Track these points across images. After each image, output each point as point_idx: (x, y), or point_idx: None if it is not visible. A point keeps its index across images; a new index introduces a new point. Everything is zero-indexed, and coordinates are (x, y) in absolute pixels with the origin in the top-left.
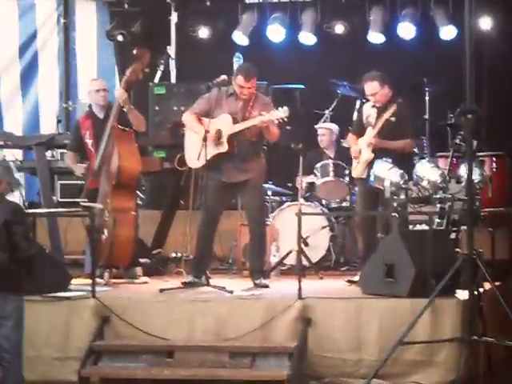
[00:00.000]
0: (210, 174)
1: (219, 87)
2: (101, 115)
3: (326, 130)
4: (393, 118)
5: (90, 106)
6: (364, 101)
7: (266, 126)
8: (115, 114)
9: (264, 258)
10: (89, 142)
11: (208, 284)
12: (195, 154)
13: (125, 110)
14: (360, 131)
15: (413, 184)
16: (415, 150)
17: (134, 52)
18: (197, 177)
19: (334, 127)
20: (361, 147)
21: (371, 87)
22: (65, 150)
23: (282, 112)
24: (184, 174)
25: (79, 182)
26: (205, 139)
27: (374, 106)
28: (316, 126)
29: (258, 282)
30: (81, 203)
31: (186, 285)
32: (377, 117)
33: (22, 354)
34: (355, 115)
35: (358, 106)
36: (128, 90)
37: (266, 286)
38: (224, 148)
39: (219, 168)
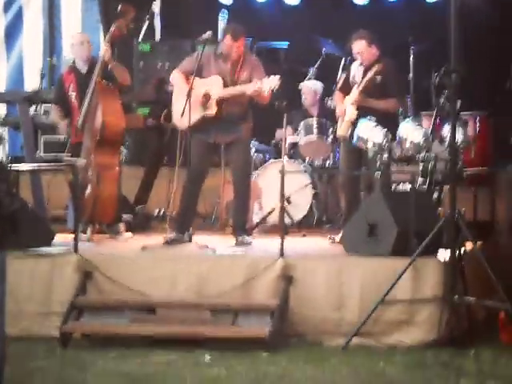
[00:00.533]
0: (196, 134)
1: (204, 45)
2: (84, 70)
3: (309, 89)
4: (378, 77)
5: (73, 61)
6: (349, 59)
7: (258, 95)
8: (99, 70)
9: (247, 216)
10: (72, 96)
11: (190, 241)
12: (184, 114)
13: (110, 64)
14: (347, 90)
15: (396, 144)
16: (400, 109)
17: (119, 8)
18: (182, 134)
19: (318, 86)
20: (346, 106)
21: (359, 46)
22: (49, 105)
23: (274, 81)
24: (168, 130)
25: (62, 137)
26: (188, 96)
27: (360, 65)
28: (300, 85)
29: (240, 238)
30: (64, 158)
31: (170, 242)
32: (363, 75)
33: (4, 309)
34: (340, 74)
35: (342, 64)
36: (112, 46)
37: (249, 243)
38: (212, 111)
39: (206, 129)
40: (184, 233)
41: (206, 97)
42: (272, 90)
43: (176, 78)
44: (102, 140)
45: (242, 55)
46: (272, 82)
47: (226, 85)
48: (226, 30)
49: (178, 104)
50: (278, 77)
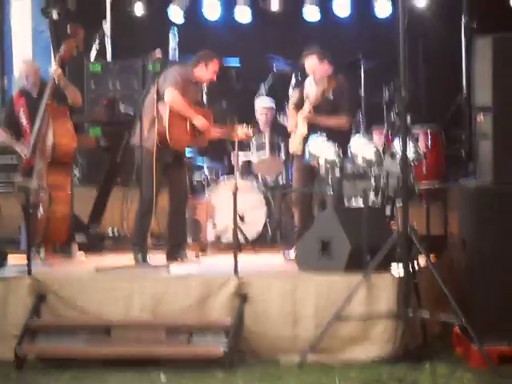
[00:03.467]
0: (160, 154)
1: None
2: (34, 93)
3: (266, 109)
4: (330, 94)
5: (24, 84)
6: (302, 76)
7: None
8: (49, 92)
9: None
10: (23, 119)
11: (144, 261)
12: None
13: (61, 86)
14: (300, 105)
15: (348, 160)
16: (352, 126)
17: (68, 29)
18: (131, 154)
19: (271, 103)
20: (298, 122)
21: (310, 62)
22: None
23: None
24: (120, 150)
25: (15, 159)
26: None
27: (313, 81)
28: (256, 106)
29: (179, 255)
30: (16, 181)
31: (137, 263)
32: (315, 92)
33: None
34: (291, 90)
35: (293, 80)
36: (63, 67)
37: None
38: (204, 145)
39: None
40: (145, 253)
41: (199, 129)
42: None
43: (178, 99)
44: (53, 161)
45: None
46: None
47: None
48: (211, 54)
49: (176, 124)
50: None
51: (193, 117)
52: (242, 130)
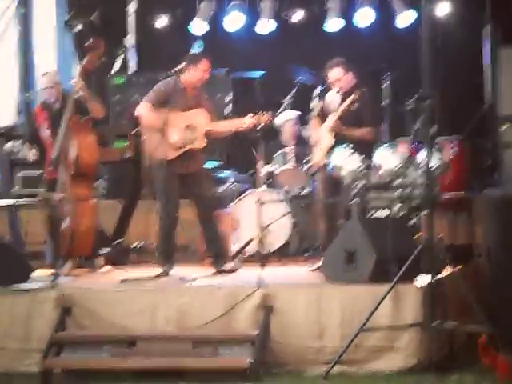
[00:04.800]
0: (169, 167)
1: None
2: (56, 106)
3: (291, 121)
4: (355, 106)
5: (46, 98)
6: (324, 87)
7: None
8: (71, 105)
9: (222, 242)
10: (46, 132)
11: (167, 273)
12: (161, 146)
13: (83, 98)
14: (323, 117)
15: (372, 171)
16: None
17: (90, 42)
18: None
19: (294, 116)
20: (322, 133)
21: (335, 74)
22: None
23: (267, 116)
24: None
25: (40, 172)
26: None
27: (337, 93)
28: (280, 120)
29: (223, 267)
30: (40, 194)
31: (160, 275)
32: (339, 103)
33: None
34: (314, 102)
35: (317, 92)
36: (85, 80)
37: (235, 270)
38: (201, 144)
39: (181, 161)
40: (170, 265)
41: (191, 129)
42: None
43: (146, 116)
44: (76, 174)
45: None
46: (266, 117)
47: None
48: (199, 56)
49: (153, 136)
50: (270, 113)
51: (167, 127)
52: (249, 119)
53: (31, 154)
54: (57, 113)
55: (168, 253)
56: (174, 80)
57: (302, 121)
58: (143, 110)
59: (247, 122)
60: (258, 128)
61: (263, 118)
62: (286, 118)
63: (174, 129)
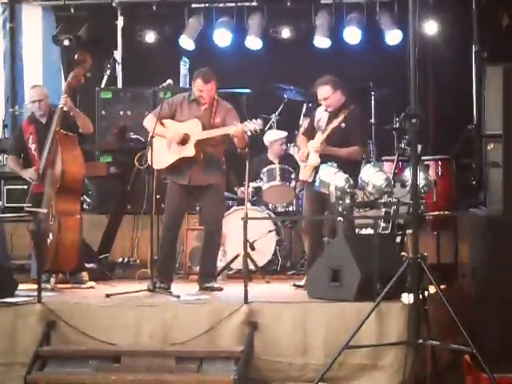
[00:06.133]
0: (172, 177)
1: (166, 92)
2: (43, 120)
3: (278, 141)
4: (343, 124)
5: (32, 112)
6: (311, 105)
7: (241, 135)
8: (58, 119)
9: (216, 262)
10: (32, 146)
11: (154, 289)
12: (159, 156)
13: (71, 113)
14: (311, 134)
15: (358, 188)
16: (363, 156)
17: (76, 57)
18: (142, 181)
19: (281, 136)
20: (309, 151)
21: (323, 91)
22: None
23: (257, 125)
24: (131, 178)
25: (25, 186)
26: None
27: (325, 111)
28: (266, 140)
29: (209, 285)
30: (25, 208)
31: (152, 291)
32: (327, 122)
33: None
34: (301, 119)
35: (304, 110)
36: (71, 95)
37: (220, 289)
38: (191, 153)
39: (181, 171)
40: (167, 281)
41: (185, 138)
42: (252, 133)
43: (149, 124)
44: (62, 188)
45: (215, 100)
46: (254, 125)
47: (204, 128)
48: (197, 73)
49: (157, 147)
50: (260, 121)
51: (165, 134)
52: (240, 124)
53: (28, 173)
54: (44, 127)
55: (162, 268)
56: (189, 92)
57: (290, 138)
58: (146, 121)
59: (238, 126)
60: (249, 134)
61: (252, 124)
62: (273, 137)
63: (168, 138)
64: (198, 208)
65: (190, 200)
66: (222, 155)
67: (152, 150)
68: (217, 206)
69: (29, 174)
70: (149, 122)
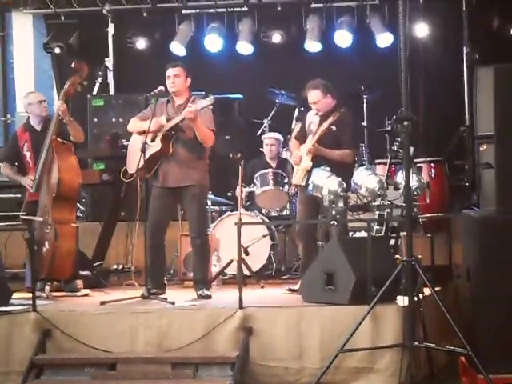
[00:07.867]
0: (152, 181)
1: (157, 98)
2: (38, 128)
3: (275, 140)
4: (333, 127)
5: (27, 119)
6: (303, 109)
7: (194, 118)
8: (54, 127)
9: (206, 269)
10: (27, 154)
11: (149, 295)
12: (135, 159)
13: (64, 121)
14: (303, 138)
15: (351, 192)
16: (355, 159)
17: (73, 65)
18: (135, 188)
19: (280, 137)
20: (301, 154)
21: (313, 95)
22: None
23: (208, 100)
24: (124, 185)
25: (18, 195)
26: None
27: (316, 114)
28: (264, 136)
29: (200, 292)
30: (21, 216)
31: (147, 297)
32: (318, 125)
33: None
34: (294, 124)
35: (296, 114)
36: (66, 103)
37: (209, 297)
38: (157, 147)
39: (157, 172)
40: (160, 287)
41: (153, 135)
42: (209, 108)
43: (131, 124)
44: (58, 196)
45: (192, 98)
46: (205, 102)
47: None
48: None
49: (133, 151)
50: (211, 97)
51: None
52: (190, 107)
53: (24, 180)
54: (39, 135)
55: (152, 275)
56: (161, 100)
57: (283, 143)
58: (128, 125)
59: (192, 107)
60: (200, 109)
61: (204, 102)
62: (267, 139)
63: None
64: (181, 212)
65: (172, 204)
66: (200, 154)
67: (145, 156)
68: (199, 210)
69: (26, 181)
70: (130, 124)
